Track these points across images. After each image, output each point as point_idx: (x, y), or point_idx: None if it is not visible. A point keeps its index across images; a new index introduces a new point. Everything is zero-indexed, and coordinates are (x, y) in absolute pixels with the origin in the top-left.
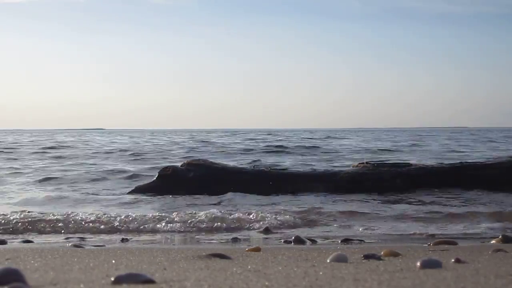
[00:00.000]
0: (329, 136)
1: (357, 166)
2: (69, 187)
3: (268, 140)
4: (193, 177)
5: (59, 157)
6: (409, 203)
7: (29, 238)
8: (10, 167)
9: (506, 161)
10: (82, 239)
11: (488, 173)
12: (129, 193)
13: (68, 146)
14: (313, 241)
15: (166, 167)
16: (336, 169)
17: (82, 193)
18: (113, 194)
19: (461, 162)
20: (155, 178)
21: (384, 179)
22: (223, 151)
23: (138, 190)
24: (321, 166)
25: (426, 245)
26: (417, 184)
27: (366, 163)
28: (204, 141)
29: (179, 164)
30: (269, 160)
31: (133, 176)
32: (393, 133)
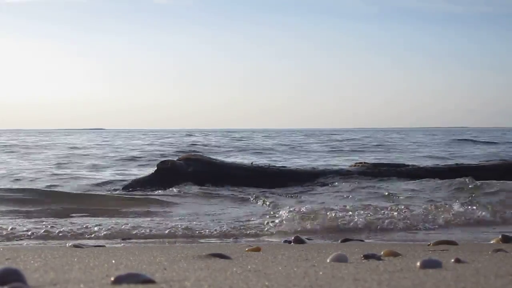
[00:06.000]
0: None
1: (354, 165)
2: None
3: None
4: (192, 172)
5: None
6: None
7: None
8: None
9: (500, 163)
10: (82, 239)
11: (482, 174)
12: (125, 187)
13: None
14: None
15: (165, 161)
16: (336, 167)
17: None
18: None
19: (456, 164)
20: (153, 172)
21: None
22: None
23: (134, 184)
24: None
25: (426, 245)
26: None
27: (365, 163)
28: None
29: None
30: None
31: None
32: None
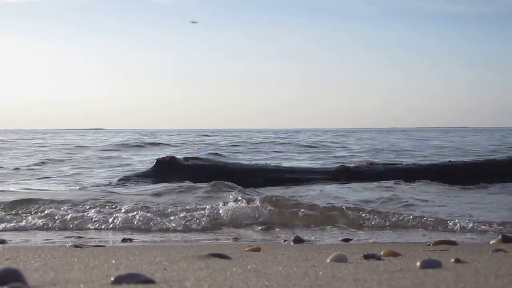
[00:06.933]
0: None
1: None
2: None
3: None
4: (190, 168)
5: None
6: None
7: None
8: None
9: (489, 161)
10: (82, 237)
11: (473, 171)
12: (120, 180)
13: None
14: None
15: (165, 156)
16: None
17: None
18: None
19: (450, 161)
20: (152, 166)
21: (376, 173)
22: None
23: (133, 177)
24: None
25: (426, 245)
26: (407, 180)
27: (361, 161)
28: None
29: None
30: None
31: None
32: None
